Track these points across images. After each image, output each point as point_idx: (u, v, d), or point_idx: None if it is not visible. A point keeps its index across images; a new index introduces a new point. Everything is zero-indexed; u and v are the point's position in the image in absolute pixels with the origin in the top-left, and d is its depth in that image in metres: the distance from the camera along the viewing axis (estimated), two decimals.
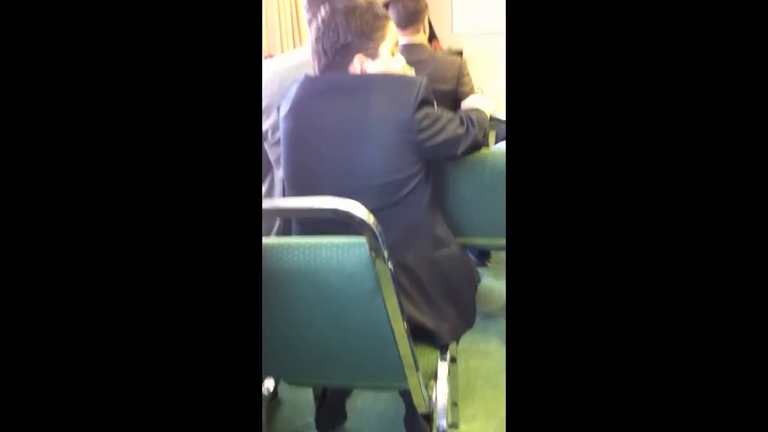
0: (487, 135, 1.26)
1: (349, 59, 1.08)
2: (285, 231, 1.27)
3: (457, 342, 1.22)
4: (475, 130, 1.19)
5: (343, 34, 1.07)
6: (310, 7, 1.37)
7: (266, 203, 0.82)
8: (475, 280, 1.24)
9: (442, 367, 1.08)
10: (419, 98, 1.05)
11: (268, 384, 1.17)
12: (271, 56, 3.19)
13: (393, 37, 1.13)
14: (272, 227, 1.36)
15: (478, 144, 1.22)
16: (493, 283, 2.17)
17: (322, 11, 1.11)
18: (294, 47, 3.59)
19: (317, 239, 0.86)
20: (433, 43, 3.99)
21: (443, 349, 1.11)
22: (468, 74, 1.99)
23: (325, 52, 1.08)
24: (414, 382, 1.00)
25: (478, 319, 1.20)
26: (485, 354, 1.75)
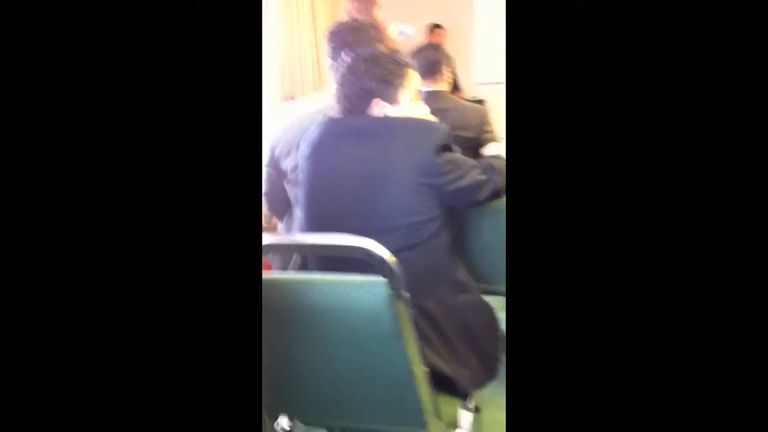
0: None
1: (369, 104, 1.10)
2: (302, 269, 1.25)
3: (481, 390, 1.18)
4: (497, 177, 1.19)
5: (365, 80, 1.09)
6: (334, 54, 1.41)
7: (284, 238, 0.82)
8: (496, 327, 1.21)
9: (465, 416, 1.04)
10: (441, 142, 1.05)
11: (282, 422, 1.13)
12: (292, 98, 3.27)
13: (414, 84, 1.15)
14: (289, 264, 1.35)
15: (500, 191, 1.21)
16: None
17: (346, 57, 1.14)
18: (314, 90, 3.68)
19: (335, 276, 0.84)
20: (456, 94, 4.07)
21: (464, 397, 1.07)
22: (491, 122, 2.01)
23: (347, 97, 1.11)
24: (434, 430, 0.95)
25: (503, 369, 1.15)
26: None
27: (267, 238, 1.01)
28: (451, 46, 3.66)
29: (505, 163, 1.29)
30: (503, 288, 1.52)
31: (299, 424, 1.22)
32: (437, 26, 4.28)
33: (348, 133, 1.11)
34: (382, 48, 1.33)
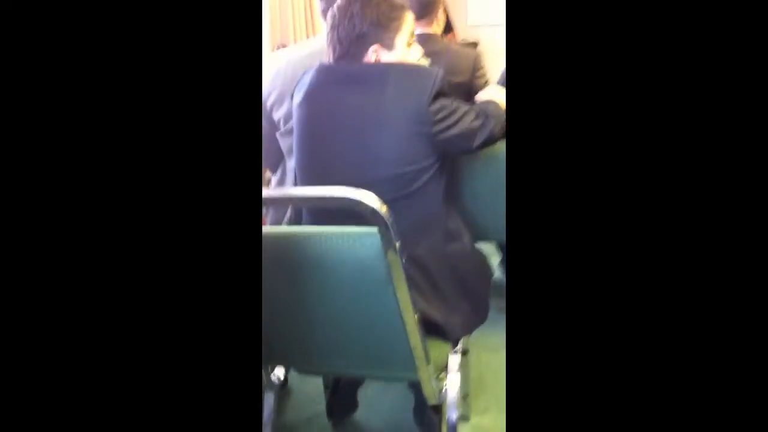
0: (504, 127, 1.25)
1: (365, 49, 1.07)
2: (296, 221, 1.26)
3: (469, 335, 1.21)
4: (492, 123, 1.17)
5: (359, 23, 1.06)
6: None
7: (277, 191, 0.82)
8: (488, 274, 1.23)
9: (453, 360, 1.08)
10: (435, 90, 1.03)
11: (278, 372, 1.17)
12: (284, 46, 3.18)
13: (409, 28, 1.12)
14: (283, 216, 1.36)
15: (495, 137, 1.20)
16: None
17: (338, 0, 1.10)
18: (307, 37, 3.58)
19: (328, 228, 0.85)
20: (449, 35, 3.96)
21: (454, 342, 1.10)
22: (483, 66, 1.96)
23: (340, 42, 1.07)
24: (424, 373, 0.99)
25: (491, 312, 1.19)
26: (498, 348, 1.73)
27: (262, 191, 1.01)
28: None
29: (498, 107, 1.28)
30: (494, 234, 1.54)
31: (294, 373, 1.26)
32: None
33: (341, 80, 1.09)
34: None
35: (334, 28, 1.08)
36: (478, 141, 1.14)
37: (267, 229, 0.88)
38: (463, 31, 4.47)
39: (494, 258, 1.27)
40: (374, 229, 0.81)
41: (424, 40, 1.90)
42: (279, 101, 1.41)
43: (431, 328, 1.04)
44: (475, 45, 3.92)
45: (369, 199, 0.79)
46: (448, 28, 3.95)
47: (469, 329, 1.14)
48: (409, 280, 0.86)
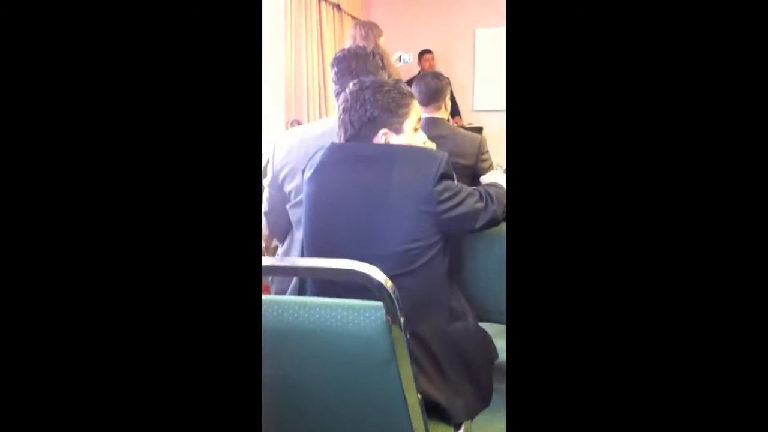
0: (505, 211, 1.27)
1: (374, 132, 1.13)
2: (300, 292, 1.26)
3: (472, 420, 1.17)
4: (494, 205, 1.20)
5: (371, 108, 1.11)
6: (339, 80, 1.44)
7: (284, 261, 0.83)
8: (492, 356, 1.21)
9: None
10: (440, 171, 1.07)
11: None
12: (298, 122, 3.31)
13: (416, 114, 1.18)
14: (287, 287, 1.36)
15: (497, 219, 1.22)
16: None
17: (351, 85, 1.17)
18: (320, 116, 3.73)
19: (333, 300, 0.85)
20: (455, 119, 4.12)
21: (457, 426, 1.07)
22: (487, 151, 2.03)
23: (351, 124, 1.13)
24: None
25: (496, 396, 1.15)
26: None
27: (266, 261, 1.02)
28: (452, 73, 3.72)
29: (502, 191, 1.31)
30: (499, 315, 1.53)
31: None
32: (427, 51, 4.37)
33: (349, 159, 1.13)
34: (386, 76, 1.36)
35: (347, 111, 1.14)
36: (480, 222, 1.17)
37: (270, 297, 0.88)
38: (468, 116, 4.65)
39: (498, 340, 1.25)
40: (379, 304, 0.81)
41: (432, 123, 1.99)
42: (291, 175, 1.46)
43: (432, 410, 1.01)
44: (479, 129, 4.07)
45: (375, 273, 0.80)
46: (455, 111, 4.12)
47: (471, 414, 1.11)
48: (412, 358, 0.85)
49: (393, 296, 0.80)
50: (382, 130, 1.12)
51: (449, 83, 2.07)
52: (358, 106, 1.12)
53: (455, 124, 4.16)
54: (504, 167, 2.62)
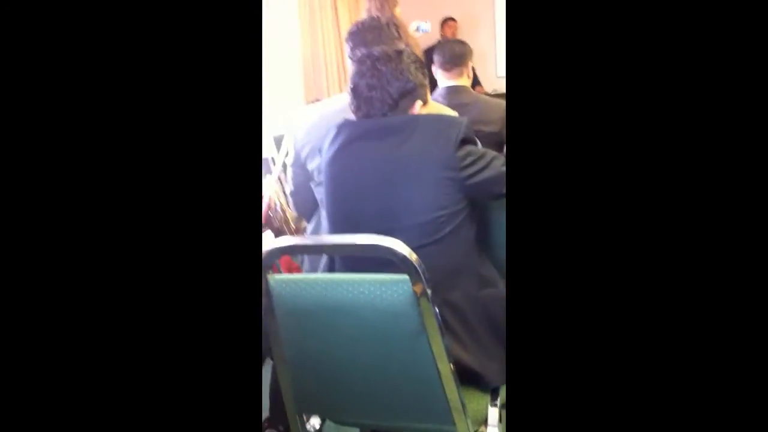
0: None
1: (412, 104, 1.11)
2: (330, 269, 1.27)
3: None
4: None
5: (410, 79, 1.09)
6: (352, 53, 1.41)
7: (309, 239, 0.83)
8: None
9: (493, 413, 1.04)
10: (461, 136, 1.05)
11: (314, 422, 1.15)
12: (318, 100, 3.30)
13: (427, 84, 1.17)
14: (318, 265, 1.37)
15: None
16: None
17: (365, 57, 1.13)
18: (340, 91, 3.71)
19: (360, 276, 0.86)
20: (477, 88, 4.04)
21: (494, 394, 1.07)
22: None
23: (390, 95, 1.09)
24: (462, 427, 0.96)
25: None
26: None
27: (292, 240, 1.03)
28: (474, 40, 3.63)
29: None
30: None
31: (330, 423, 1.24)
32: (450, 19, 4.27)
33: (368, 133, 1.12)
34: (401, 46, 1.33)
35: (377, 86, 1.09)
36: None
37: (299, 276, 0.89)
38: (492, 83, 4.55)
39: None
40: (405, 277, 0.81)
41: (454, 91, 1.95)
42: (312, 153, 1.45)
43: (467, 377, 1.01)
44: (503, 96, 3.98)
45: (399, 246, 0.79)
46: (475, 82, 4.04)
47: (506, 378, 1.10)
48: (445, 325, 0.85)
49: (419, 268, 0.80)
50: (420, 103, 1.11)
51: (471, 50, 2.02)
52: (392, 78, 1.09)
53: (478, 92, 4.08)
54: None
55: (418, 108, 1.11)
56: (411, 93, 1.10)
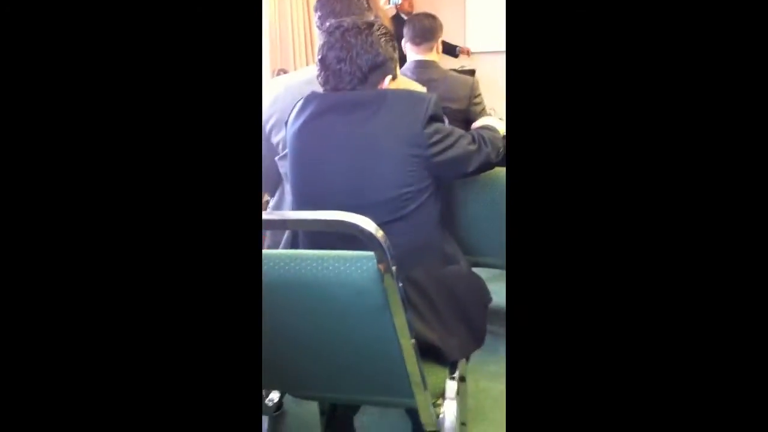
0: (501, 154, 1.26)
1: (382, 78, 1.09)
2: (293, 245, 1.26)
3: (467, 361, 1.20)
4: (488, 148, 1.18)
5: (380, 52, 1.07)
6: (322, 24, 1.38)
7: (274, 215, 0.82)
8: (485, 299, 1.22)
9: (451, 386, 1.06)
10: (429, 113, 1.05)
11: (273, 396, 1.16)
12: (284, 71, 3.22)
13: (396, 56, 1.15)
14: (280, 240, 1.36)
15: (491, 162, 1.21)
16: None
17: (339, 25, 1.10)
18: (307, 64, 3.63)
19: (324, 252, 0.85)
20: (461, 49, 4.04)
21: (452, 368, 1.09)
22: (480, 94, 1.99)
23: (359, 68, 1.06)
24: (421, 400, 0.98)
25: (489, 339, 1.17)
26: (496, 375, 1.72)
27: None
28: (443, 15, 3.60)
29: (495, 134, 1.29)
30: (491, 260, 1.54)
31: (289, 397, 1.25)
32: None
33: (335, 107, 1.10)
34: (372, 18, 1.31)
35: (345, 58, 1.06)
36: (473, 165, 1.15)
37: (263, 252, 0.88)
38: (459, 59, 4.53)
39: (492, 284, 1.27)
40: (371, 254, 0.81)
41: (423, 66, 1.94)
42: (277, 126, 1.43)
43: (427, 351, 1.03)
44: (472, 72, 3.97)
45: (365, 223, 0.79)
46: (451, 50, 4.01)
47: (465, 353, 1.13)
48: (407, 301, 0.85)
49: (384, 245, 0.80)
50: (389, 76, 1.09)
51: (442, 25, 2.00)
52: (362, 51, 1.05)
53: (465, 52, 4.09)
54: (497, 111, 2.58)
55: (387, 82, 1.10)
56: (381, 67, 1.08)
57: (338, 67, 1.07)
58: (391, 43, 1.10)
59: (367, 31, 1.07)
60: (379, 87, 1.09)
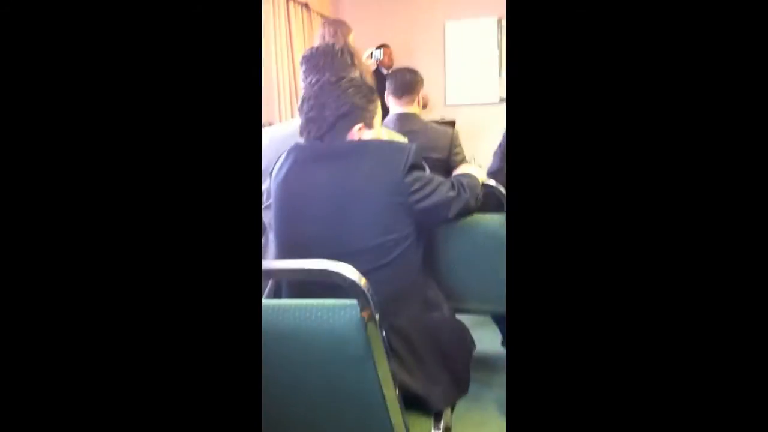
0: (479, 200, 1.29)
1: (350, 127, 1.13)
2: (276, 295, 1.26)
3: (452, 410, 1.18)
4: (467, 194, 1.21)
5: (347, 102, 1.12)
6: (306, 78, 1.43)
7: None
8: (469, 346, 1.22)
9: None
10: (410, 162, 1.08)
11: None
12: (270, 124, 3.28)
13: (380, 109, 1.20)
14: (263, 290, 1.36)
15: (470, 208, 1.24)
16: (490, 350, 2.13)
17: (318, 81, 1.16)
18: (292, 116, 3.71)
19: (306, 301, 0.85)
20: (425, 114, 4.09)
21: (436, 417, 1.08)
22: (460, 144, 2.05)
23: (324, 119, 1.12)
24: None
25: (474, 387, 1.16)
26: (481, 424, 1.69)
27: None
28: (423, 68, 3.73)
29: (474, 181, 1.32)
30: (473, 305, 1.54)
31: None
32: (384, 45, 4.34)
33: (318, 157, 1.13)
34: (357, 73, 1.36)
35: (317, 106, 1.13)
36: (453, 211, 1.18)
37: None
38: (440, 111, 4.67)
39: (475, 331, 1.27)
40: (353, 302, 0.82)
41: (404, 119, 1.99)
42: (262, 177, 1.45)
43: (411, 401, 1.02)
44: (452, 124, 4.08)
45: (348, 271, 0.80)
46: (424, 105, 4.10)
47: (449, 401, 1.12)
48: (390, 350, 0.85)
49: (367, 293, 0.80)
50: (358, 125, 1.13)
51: (422, 79, 2.08)
52: (331, 101, 1.12)
53: (425, 101, 4.13)
54: (477, 161, 2.64)
55: (356, 130, 1.13)
56: (347, 116, 1.12)
57: (311, 115, 1.13)
58: (361, 95, 1.14)
59: (336, 85, 1.14)
60: (348, 134, 1.13)
